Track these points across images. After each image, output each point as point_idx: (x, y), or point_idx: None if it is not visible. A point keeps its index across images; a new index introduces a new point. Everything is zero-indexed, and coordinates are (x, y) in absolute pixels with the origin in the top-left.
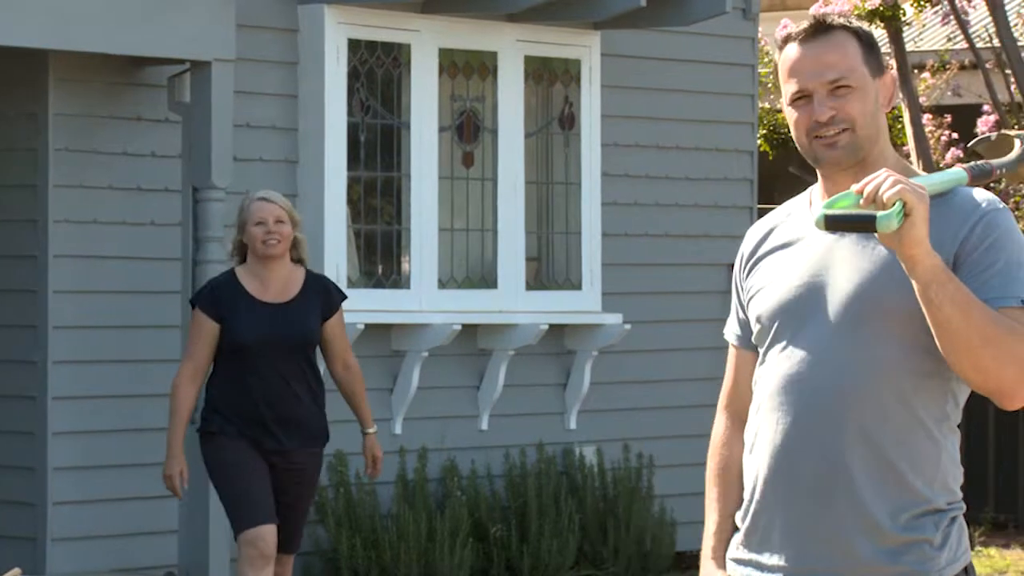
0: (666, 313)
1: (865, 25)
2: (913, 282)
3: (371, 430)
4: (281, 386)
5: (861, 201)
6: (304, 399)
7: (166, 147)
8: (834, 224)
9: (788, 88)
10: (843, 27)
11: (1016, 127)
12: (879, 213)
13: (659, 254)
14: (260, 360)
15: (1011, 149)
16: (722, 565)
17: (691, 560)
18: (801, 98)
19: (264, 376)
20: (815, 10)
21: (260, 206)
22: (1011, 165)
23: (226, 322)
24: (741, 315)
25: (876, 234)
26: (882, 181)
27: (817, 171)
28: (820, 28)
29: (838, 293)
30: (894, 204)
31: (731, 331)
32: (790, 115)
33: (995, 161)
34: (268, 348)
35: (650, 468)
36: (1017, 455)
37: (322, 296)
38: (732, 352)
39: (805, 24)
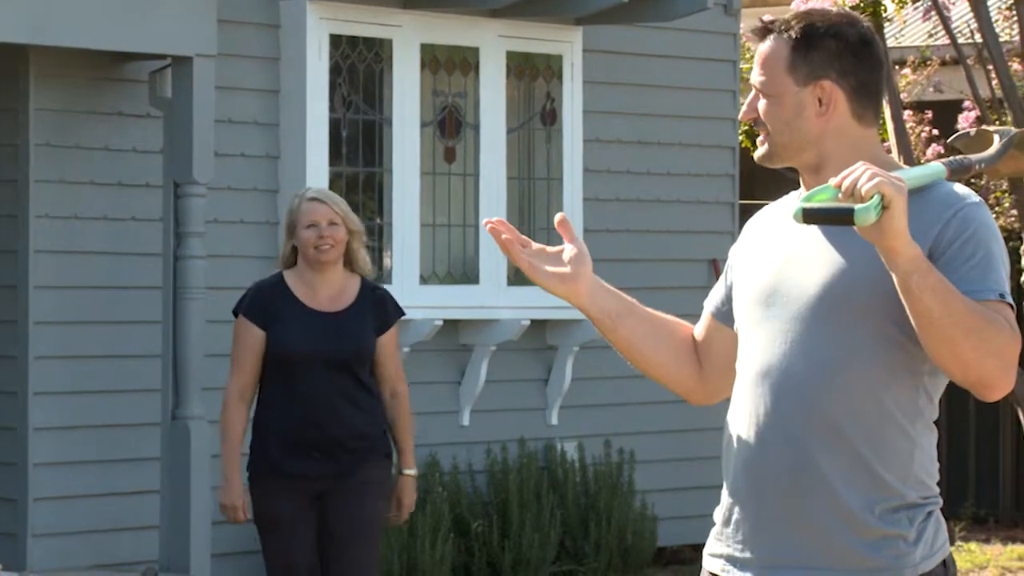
0: (650, 304)
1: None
2: (893, 274)
3: (410, 471)
4: (329, 406)
5: (839, 195)
6: (354, 422)
7: (147, 143)
8: (811, 217)
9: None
10: (777, 33)
11: (997, 123)
12: (857, 206)
13: (641, 250)
14: (307, 375)
15: (990, 145)
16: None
17: (672, 555)
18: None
19: (311, 394)
20: (796, 5)
21: (311, 207)
22: (990, 160)
23: (272, 330)
24: (724, 292)
25: (855, 227)
26: (860, 174)
27: None
28: (763, 30)
29: (809, 286)
30: (872, 197)
31: (710, 301)
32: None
33: (974, 156)
34: (317, 361)
35: (631, 463)
36: (997, 450)
37: (377, 309)
38: (704, 321)
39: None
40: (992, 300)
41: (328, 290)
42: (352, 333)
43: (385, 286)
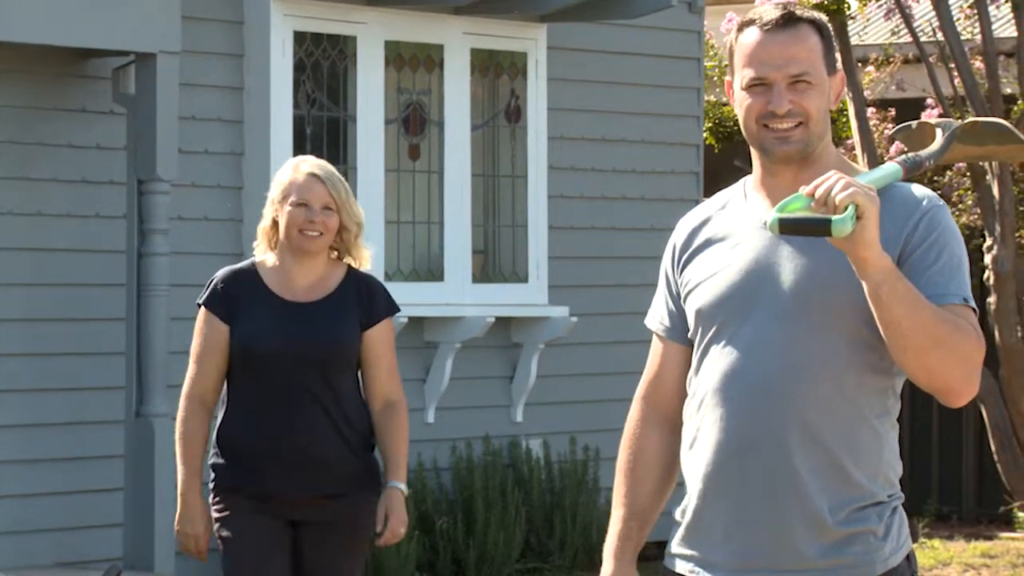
0: (613, 306)
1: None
2: (863, 283)
3: (397, 484)
4: (302, 415)
5: (812, 204)
6: (329, 433)
7: (111, 139)
8: (788, 228)
9: (745, 73)
10: (809, 21)
11: (959, 118)
12: (834, 217)
13: (606, 247)
14: (275, 377)
15: (932, 137)
16: (625, 566)
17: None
18: (758, 85)
19: (280, 399)
20: (760, 1)
21: (308, 184)
22: (938, 154)
23: (235, 323)
24: (671, 306)
25: (830, 239)
26: (833, 183)
27: (756, 161)
28: (788, 20)
29: (781, 288)
30: (846, 207)
31: (657, 321)
32: (741, 99)
33: (924, 152)
34: (285, 360)
35: (596, 461)
36: (960, 448)
37: (363, 299)
38: (657, 344)
39: (771, 11)
40: (956, 304)
41: (306, 278)
42: (326, 326)
43: None
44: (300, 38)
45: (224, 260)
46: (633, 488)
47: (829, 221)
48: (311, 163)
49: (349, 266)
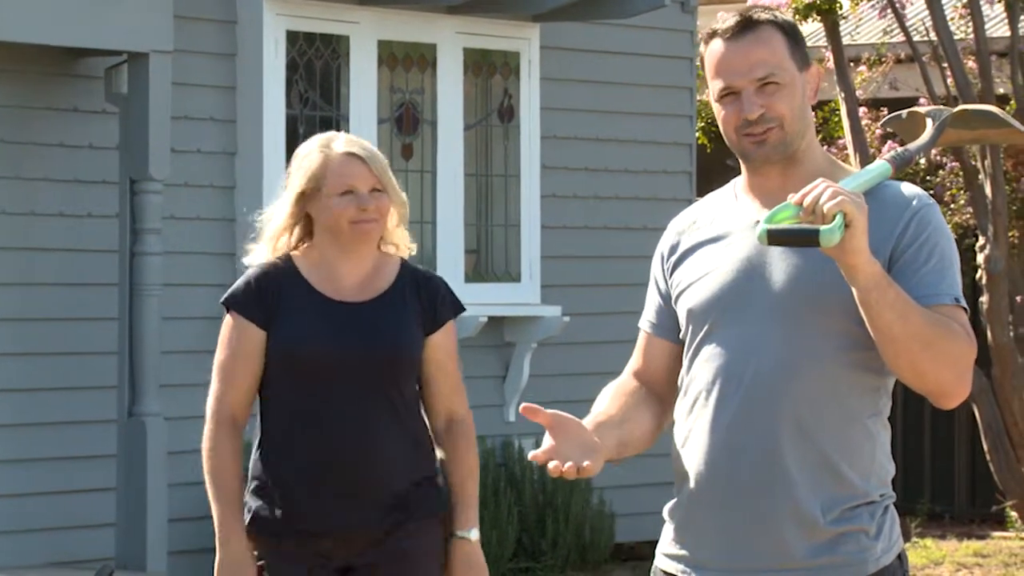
0: (605, 305)
1: (793, 18)
2: (853, 288)
3: (466, 534)
4: (357, 435)
5: (801, 212)
6: (393, 456)
7: (103, 139)
8: (777, 239)
9: (715, 84)
10: (769, 22)
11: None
12: (822, 228)
13: (598, 246)
14: (327, 391)
15: (922, 127)
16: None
17: (630, 552)
18: (729, 95)
19: (333, 418)
20: (752, 1)
21: (348, 167)
22: (927, 146)
23: (275, 328)
24: (660, 304)
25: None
26: (820, 192)
27: (743, 165)
28: (746, 24)
29: (774, 288)
30: (835, 217)
31: (646, 320)
32: (718, 112)
33: (912, 146)
34: (341, 370)
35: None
36: (953, 447)
37: (423, 297)
38: (643, 340)
39: (730, 19)
40: (947, 304)
41: (355, 274)
42: (387, 329)
43: None
44: (293, 37)
45: (217, 260)
46: (607, 415)
47: (817, 232)
48: (343, 140)
49: (402, 259)
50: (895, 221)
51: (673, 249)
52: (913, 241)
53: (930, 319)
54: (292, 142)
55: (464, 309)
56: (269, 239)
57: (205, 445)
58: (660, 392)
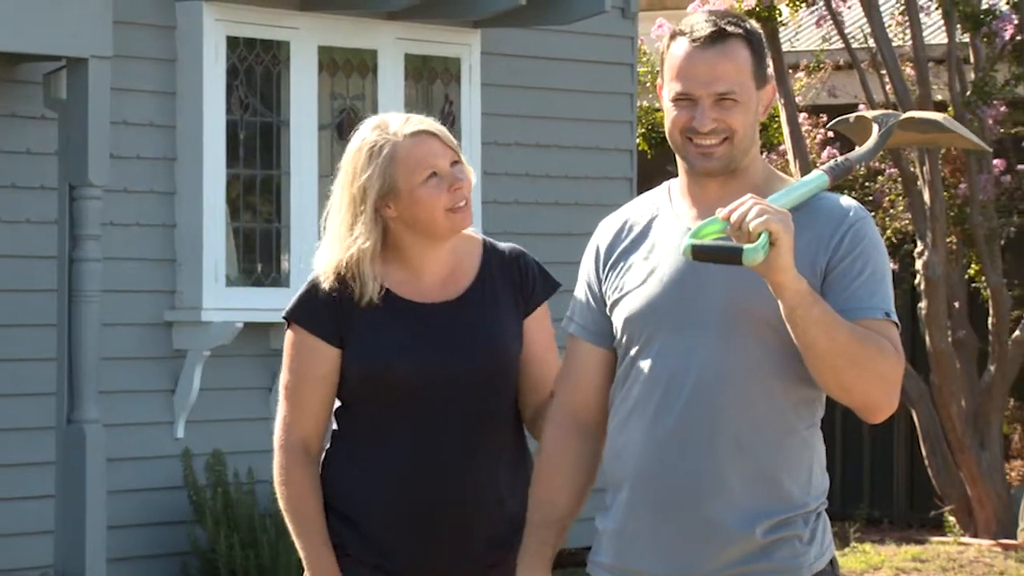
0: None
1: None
2: (780, 305)
3: None
4: (458, 459)
5: (727, 227)
6: (493, 480)
7: (42, 144)
8: (701, 255)
9: (672, 87)
10: (740, 36)
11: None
12: (745, 247)
13: (540, 253)
14: (419, 411)
15: (868, 131)
16: (539, 574)
17: (569, 558)
18: (684, 99)
19: (427, 443)
20: (693, 8)
21: (423, 146)
22: (869, 155)
23: (353, 344)
24: (594, 307)
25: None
26: (747, 210)
27: (681, 169)
28: (718, 35)
29: (711, 298)
30: (760, 235)
31: (578, 324)
32: (668, 110)
33: (853, 155)
34: (435, 386)
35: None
36: (892, 452)
37: (514, 279)
38: (575, 347)
39: (702, 25)
40: (878, 319)
41: (439, 268)
42: (485, 330)
43: (283, 289)
44: (233, 43)
45: (156, 266)
46: (549, 495)
47: (741, 251)
48: (399, 120)
49: (483, 238)
50: (830, 234)
51: (608, 251)
52: (847, 254)
53: (857, 335)
54: (232, 148)
55: (559, 284)
56: (353, 258)
57: (278, 478)
58: (591, 419)
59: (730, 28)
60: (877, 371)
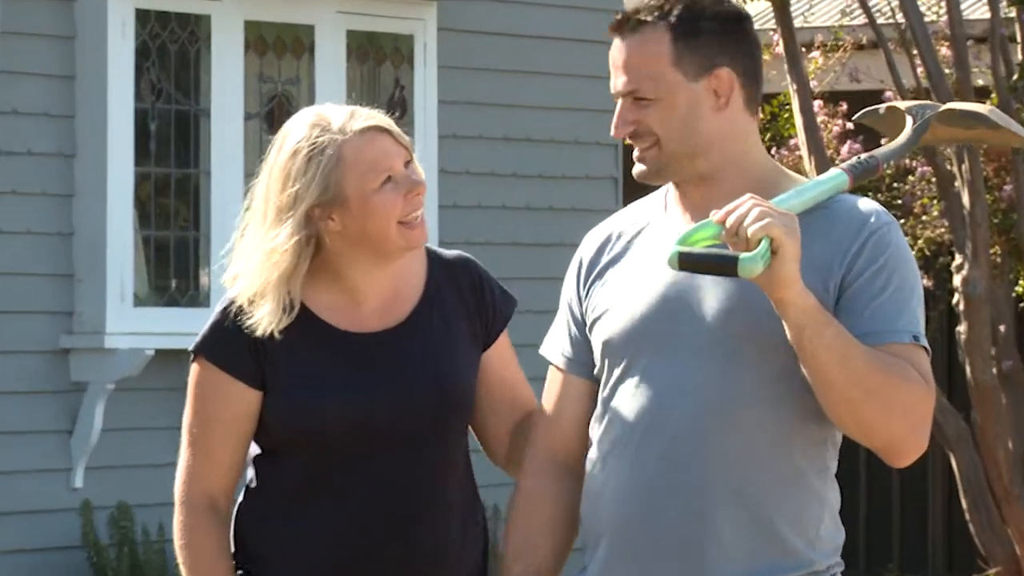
0: (517, 335)
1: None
2: (785, 325)
3: None
4: (401, 515)
5: (723, 233)
6: (450, 534)
7: None
8: (689, 264)
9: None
10: (656, 20)
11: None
12: (741, 255)
13: (507, 266)
14: (352, 461)
15: (902, 124)
16: None
17: None
18: (618, 98)
19: (361, 496)
20: None
21: (375, 144)
22: (898, 153)
23: (278, 387)
24: (574, 333)
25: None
26: (746, 212)
27: None
28: (627, 21)
29: (704, 317)
30: (759, 242)
31: (556, 351)
32: None
33: (880, 152)
34: (374, 433)
35: (495, 520)
36: (926, 503)
37: (467, 300)
38: (555, 377)
39: (622, 10)
40: (904, 343)
41: (379, 291)
42: (438, 362)
43: (202, 310)
44: (143, 17)
45: (52, 282)
46: (529, 547)
47: (736, 259)
48: (342, 114)
49: (427, 249)
50: (847, 243)
51: (590, 266)
52: (868, 267)
53: (878, 363)
54: (142, 142)
55: (516, 302)
56: (269, 281)
57: (178, 540)
58: (573, 461)
59: (643, 14)
60: (900, 404)
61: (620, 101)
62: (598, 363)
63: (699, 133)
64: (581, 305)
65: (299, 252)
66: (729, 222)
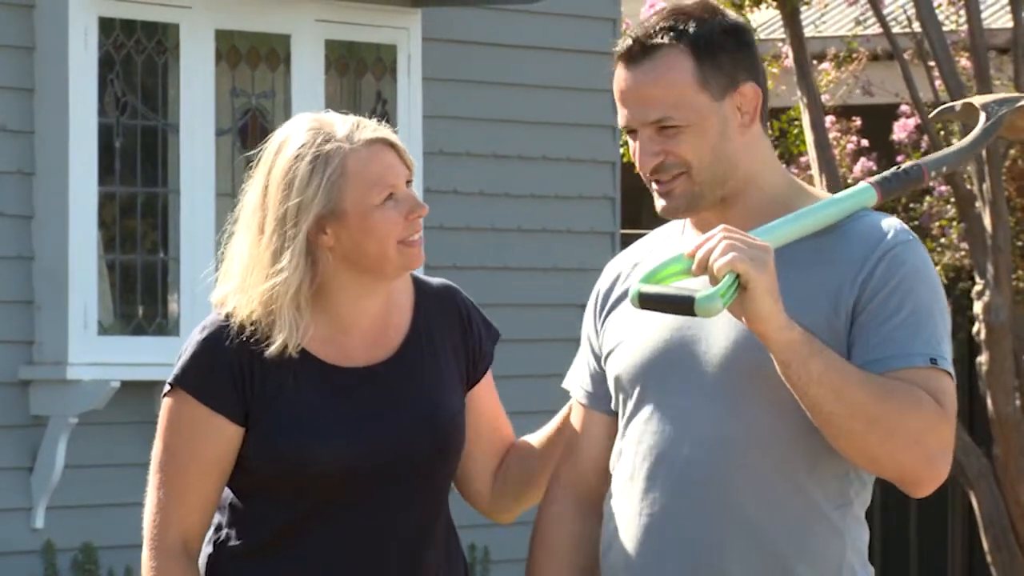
0: (506, 366)
1: (743, 4)
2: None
3: None
4: (393, 564)
5: (693, 267)
6: (438, 571)
7: None
8: (649, 304)
9: (620, 115)
10: (671, 43)
11: (941, 132)
12: (698, 295)
13: (496, 291)
14: (341, 507)
15: (976, 123)
16: None
17: None
18: (631, 132)
19: (349, 544)
20: None
21: (381, 156)
22: (954, 158)
23: (261, 422)
24: (594, 366)
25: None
26: (714, 245)
27: None
28: (642, 48)
29: (713, 352)
30: (724, 277)
31: (577, 385)
32: (630, 144)
33: (929, 159)
34: (365, 476)
35: (485, 563)
36: (945, 544)
37: (454, 332)
38: (577, 412)
39: (629, 35)
40: (921, 367)
41: (368, 320)
42: (431, 398)
43: (171, 339)
44: (107, 26)
45: (10, 310)
46: None
47: (692, 300)
48: (346, 123)
49: (413, 276)
50: (859, 264)
51: (606, 298)
52: (880, 288)
53: (877, 391)
54: (107, 159)
55: (499, 335)
56: (278, 299)
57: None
58: (594, 499)
59: (657, 37)
60: (907, 434)
61: (639, 132)
62: (613, 399)
63: (728, 155)
64: (598, 338)
65: (303, 268)
66: (698, 256)
